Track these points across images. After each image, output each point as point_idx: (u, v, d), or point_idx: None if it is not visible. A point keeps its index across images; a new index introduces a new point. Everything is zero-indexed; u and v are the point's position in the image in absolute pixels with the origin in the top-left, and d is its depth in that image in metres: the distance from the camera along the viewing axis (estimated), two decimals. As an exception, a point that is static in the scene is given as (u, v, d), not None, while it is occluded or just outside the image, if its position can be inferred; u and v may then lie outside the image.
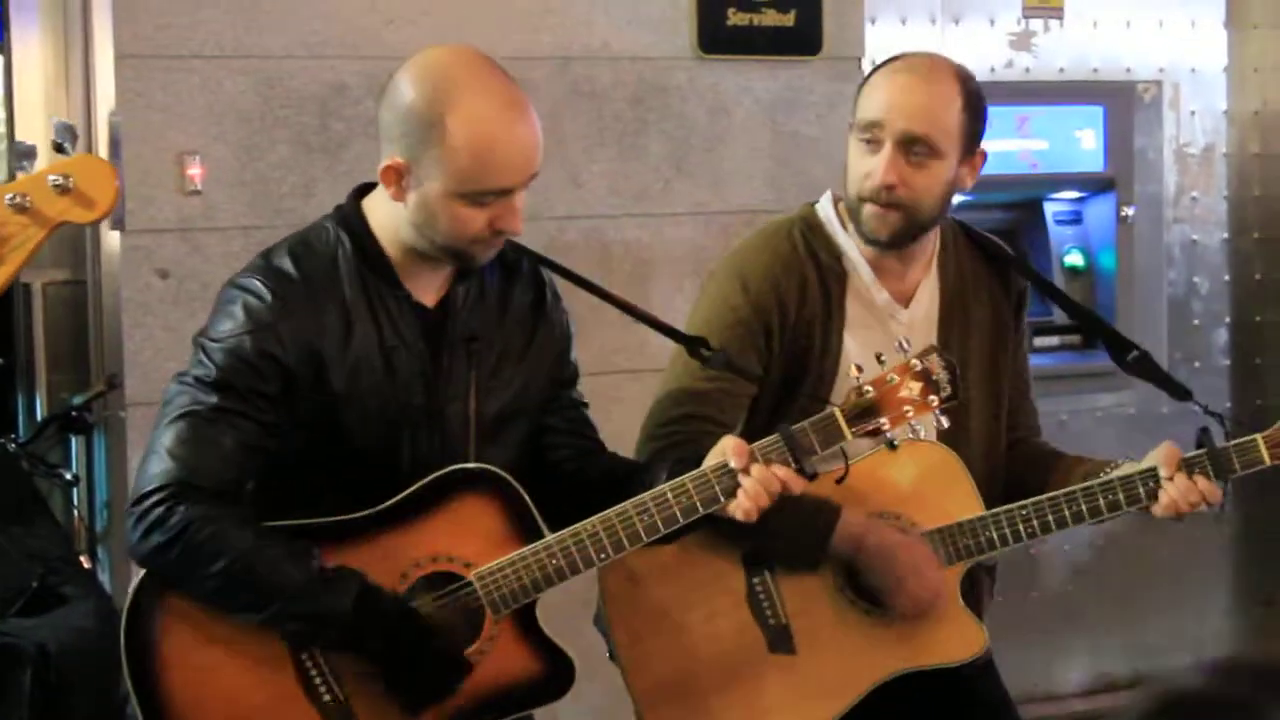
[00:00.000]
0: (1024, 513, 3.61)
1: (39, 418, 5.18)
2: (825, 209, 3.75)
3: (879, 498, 3.65)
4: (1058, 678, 6.51)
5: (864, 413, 3.25)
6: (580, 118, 5.59)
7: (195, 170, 5.10)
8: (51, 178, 2.63)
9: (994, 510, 3.63)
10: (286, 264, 3.21)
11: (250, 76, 5.19)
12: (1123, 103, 6.51)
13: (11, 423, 5.21)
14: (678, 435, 3.56)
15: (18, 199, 2.61)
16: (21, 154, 2.69)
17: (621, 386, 5.42)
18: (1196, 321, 6.72)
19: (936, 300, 3.76)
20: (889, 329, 3.68)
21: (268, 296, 3.16)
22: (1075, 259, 6.45)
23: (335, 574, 3.13)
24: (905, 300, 3.73)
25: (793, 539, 3.56)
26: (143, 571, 3.17)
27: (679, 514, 3.22)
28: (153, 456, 3.13)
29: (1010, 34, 6.38)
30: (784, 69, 5.83)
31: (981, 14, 6.33)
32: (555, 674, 3.32)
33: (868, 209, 3.60)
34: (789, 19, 5.79)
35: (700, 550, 3.62)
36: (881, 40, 6.04)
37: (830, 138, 5.81)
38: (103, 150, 5.03)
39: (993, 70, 6.27)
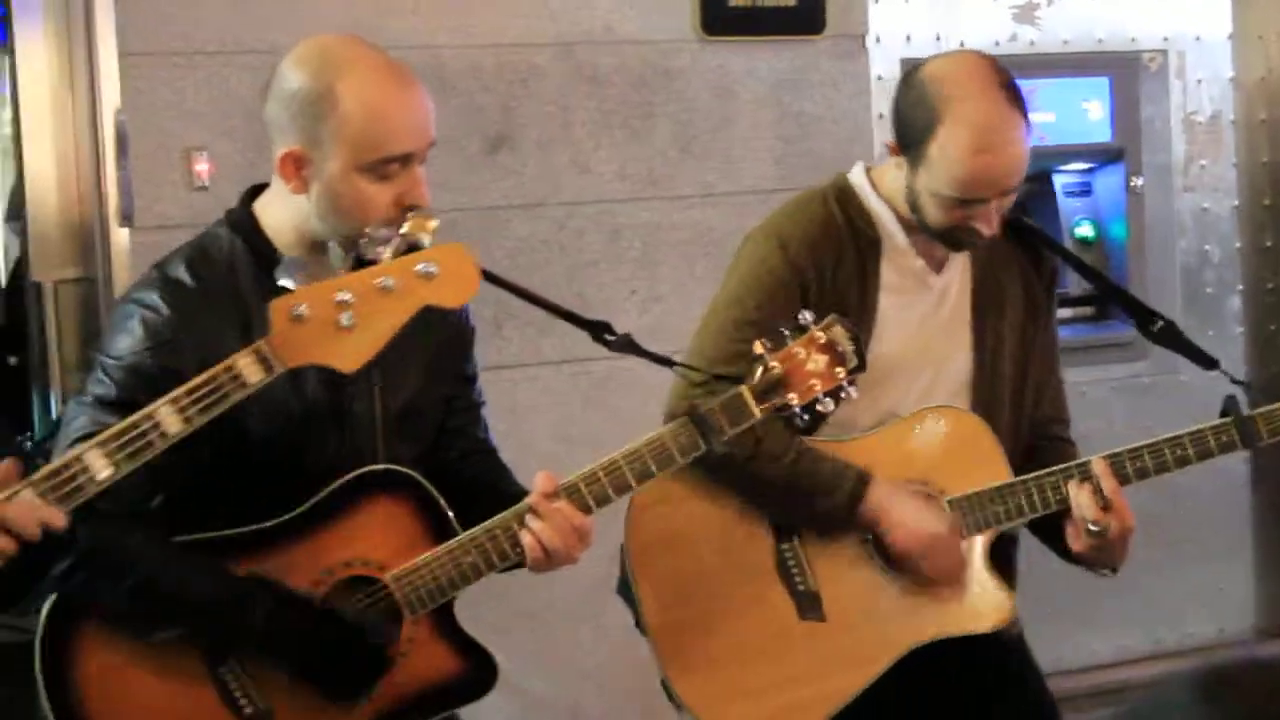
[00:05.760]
0: (1052, 480, 3.64)
1: (54, 416, 5.18)
2: (858, 177, 3.75)
3: (908, 464, 3.67)
4: (1082, 650, 6.48)
5: (771, 389, 3.20)
6: (585, 103, 5.58)
7: (203, 166, 5.12)
8: (419, 265, 2.77)
9: (1022, 477, 3.66)
10: (182, 274, 3.15)
11: (254, 71, 5.17)
12: (1128, 73, 6.50)
13: (26, 422, 5.21)
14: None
15: (386, 282, 2.76)
16: (412, 244, 2.83)
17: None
18: (1210, 290, 6.69)
19: (969, 269, 3.77)
20: (923, 294, 3.72)
21: (165, 310, 3.10)
22: (1086, 230, 6.43)
23: (245, 585, 3.09)
24: (939, 267, 3.73)
25: (822, 504, 3.59)
26: (52, 595, 3.08)
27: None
28: None
29: (1014, 7, 6.36)
30: (788, 48, 5.83)
31: (984, -12, 6.32)
32: (477, 673, 3.29)
33: (951, 238, 3.63)
34: (791, -1, 5.79)
35: (729, 517, 3.64)
36: (885, 18, 6.03)
37: (836, 115, 5.82)
38: (109, 148, 5.04)
39: (997, 44, 6.25)
